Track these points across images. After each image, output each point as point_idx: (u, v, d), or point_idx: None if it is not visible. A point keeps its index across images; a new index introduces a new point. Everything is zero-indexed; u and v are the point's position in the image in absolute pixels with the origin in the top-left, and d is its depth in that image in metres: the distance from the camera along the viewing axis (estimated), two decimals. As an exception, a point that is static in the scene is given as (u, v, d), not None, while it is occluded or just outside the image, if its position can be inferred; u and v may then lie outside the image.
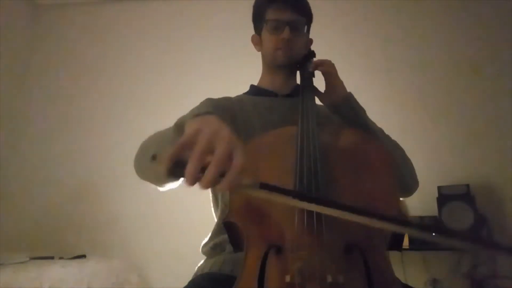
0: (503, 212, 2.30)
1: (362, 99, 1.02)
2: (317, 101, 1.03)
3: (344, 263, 0.59)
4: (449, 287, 2.19)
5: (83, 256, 2.53)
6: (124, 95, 2.97)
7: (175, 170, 0.50)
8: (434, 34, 2.74)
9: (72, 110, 3.05)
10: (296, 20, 1.04)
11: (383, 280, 0.58)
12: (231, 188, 0.50)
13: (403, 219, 0.63)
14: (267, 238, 0.65)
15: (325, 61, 1.03)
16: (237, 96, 1.13)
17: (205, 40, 3.03)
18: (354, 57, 2.70)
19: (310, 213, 0.63)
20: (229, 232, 0.72)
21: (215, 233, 0.96)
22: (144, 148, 0.85)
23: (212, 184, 0.49)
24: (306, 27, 1.10)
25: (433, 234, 0.57)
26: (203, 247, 0.98)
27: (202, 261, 0.95)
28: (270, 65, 1.11)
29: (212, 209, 1.05)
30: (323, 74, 1.01)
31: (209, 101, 1.05)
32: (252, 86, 1.16)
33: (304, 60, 1.08)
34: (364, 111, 1.01)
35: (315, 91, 1.03)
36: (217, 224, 0.99)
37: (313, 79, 1.06)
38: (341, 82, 1.01)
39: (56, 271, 1.95)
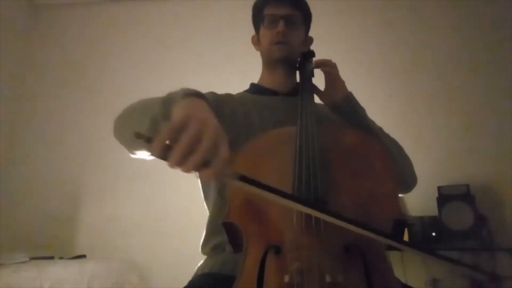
0: (503, 212, 2.30)
1: (362, 99, 1.02)
2: (317, 100, 1.03)
3: (343, 263, 0.59)
4: (449, 287, 2.19)
5: (83, 256, 2.53)
6: (124, 95, 2.96)
7: (161, 152, 0.51)
8: (434, 34, 2.74)
9: (72, 110, 3.05)
10: (291, 14, 1.05)
11: (382, 280, 0.58)
12: (215, 177, 0.51)
13: (392, 234, 0.64)
14: (266, 238, 0.65)
15: (327, 61, 1.03)
16: (238, 93, 1.13)
17: (205, 40, 3.03)
18: (354, 57, 2.70)
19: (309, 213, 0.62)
20: (228, 232, 0.72)
21: (213, 231, 0.95)
22: (127, 113, 0.87)
23: (195, 170, 0.51)
24: (304, 24, 1.10)
25: (425, 252, 0.59)
26: (202, 247, 0.98)
27: (202, 261, 0.95)
28: (268, 61, 1.11)
29: (204, 202, 1.05)
30: (325, 74, 1.02)
31: (212, 94, 1.06)
32: (252, 85, 1.16)
33: (303, 60, 1.08)
34: (364, 110, 1.01)
35: (315, 89, 1.03)
36: (211, 221, 0.98)
37: (313, 78, 1.06)
38: (343, 82, 1.02)
39: (56, 271, 1.95)
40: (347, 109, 0.98)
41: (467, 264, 0.60)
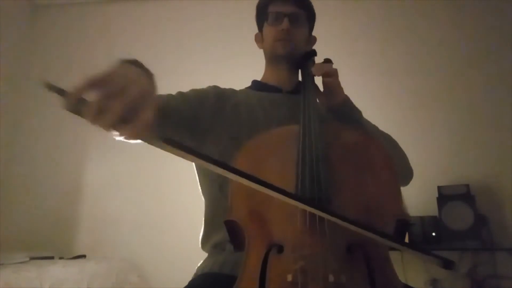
0: (503, 212, 2.30)
1: (361, 99, 1.02)
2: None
3: (346, 263, 0.58)
4: (449, 287, 2.19)
5: (83, 256, 2.53)
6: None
7: (76, 106, 0.46)
8: (434, 34, 2.75)
9: (72, 110, 3.05)
10: (295, 12, 1.05)
11: (385, 280, 0.58)
12: (133, 137, 0.47)
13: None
14: (269, 237, 0.65)
15: (330, 71, 0.95)
16: (241, 90, 1.13)
17: (205, 40, 3.03)
18: (354, 57, 2.70)
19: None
20: (229, 230, 0.71)
21: (214, 227, 0.95)
22: None
23: (112, 125, 0.46)
24: (307, 23, 1.10)
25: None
26: (203, 243, 0.98)
27: (202, 261, 0.95)
28: (271, 58, 1.11)
29: (200, 190, 1.04)
30: (327, 83, 0.96)
31: (214, 87, 1.06)
32: (255, 82, 1.16)
33: (305, 59, 1.08)
34: (360, 113, 1.00)
35: (316, 89, 1.03)
36: (211, 216, 0.97)
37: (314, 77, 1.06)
38: (342, 89, 0.97)
39: (56, 271, 1.95)
40: (343, 113, 0.98)
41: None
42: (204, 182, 1.02)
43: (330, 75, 0.95)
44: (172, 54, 3.03)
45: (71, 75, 3.17)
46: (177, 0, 3.17)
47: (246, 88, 1.15)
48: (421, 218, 2.20)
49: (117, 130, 0.47)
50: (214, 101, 1.01)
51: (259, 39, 1.14)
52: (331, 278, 0.53)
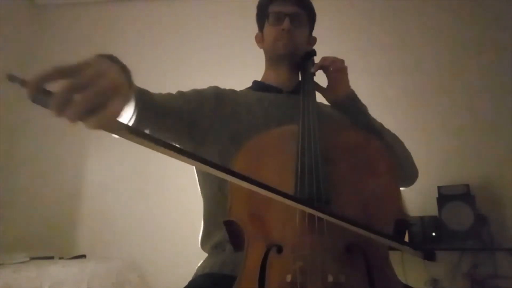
0: (503, 212, 2.30)
1: (361, 99, 1.02)
2: (318, 98, 1.03)
3: (345, 263, 0.58)
4: (449, 287, 2.19)
5: (83, 256, 2.53)
6: (124, 95, 2.96)
7: (40, 96, 0.44)
8: (434, 34, 2.75)
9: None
10: (296, 12, 1.05)
11: (384, 280, 0.58)
12: (99, 127, 0.45)
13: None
14: (268, 237, 0.65)
15: (336, 59, 1.02)
16: (241, 90, 1.13)
17: (205, 40, 3.03)
18: (353, 57, 2.68)
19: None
20: (229, 231, 0.72)
21: (213, 227, 0.95)
22: None
23: (79, 117, 0.44)
24: (308, 23, 1.11)
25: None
26: (203, 243, 0.98)
27: (202, 261, 0.95)
28: (271, 58, 1.11)
29: (199, 190, 1.05)
30: (333, 72, 1.00)
31: (214, 87, 1.06)
32: (255, 82, 1.16)
33: (305, 59, 1.08)
34: (365, 107, 1.01)
35: (317, 87, 1.03)
36: (211, 216, 0.97)
37: (314, 77, 1.06)
38: (348, 79, 1.02)
39: (56, 271, 1.95)
40: (349, 106, 0.99)
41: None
42: (203, 182, 1.02)
43: (335, 61, 1.00)
44: (172, 54, 3.03)
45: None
46: (178, 0, 3.17)
47: (247, 88, 1.15)
48: (421, 218, 2.20)
49: (82, 120, 0.45)
50: (214, 101, 1.01)
51: (260, 39, 1.14)
52: (330, 278, 0.53)
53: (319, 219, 0.62)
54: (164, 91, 0.99)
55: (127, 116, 0.76)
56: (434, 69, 2.67)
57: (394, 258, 0.64)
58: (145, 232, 2.68)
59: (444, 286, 2.19)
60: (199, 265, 0.94)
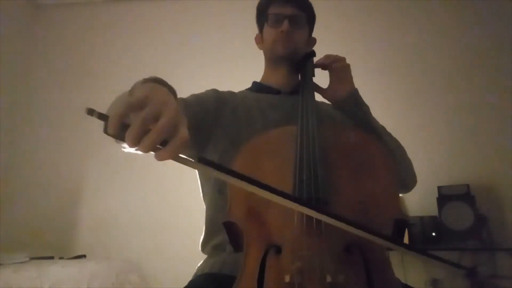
0: (503, 212, 2.30)
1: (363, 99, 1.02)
2: (318, 98, 1.03)
3: (344, 263, 0.58)
4: (449, 287, 2.19)
5: (83, 256, 2.53)
6: (124, 95, 2.97)
7: (117, 131, 0.48)
8: (436, 33, 2.74)
9: (72, 110, 3.05)
10: (295, 14, 1.06)
11: (383, 280, 0.58)
12: (171, 157, 0.48)
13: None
14: (267, 238, 0.65)
15: (338, 57, 1.04)
16: (241, 91, 1.13)
17: (205, 40, 3.03)
18: (354, 57, 2.68)
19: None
20: (229, 232, 0.72)
21: (213, 230, 0.95)
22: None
23: (152, 149, 0.48)
24: (307, 24, 1.11)
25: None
26: (203, 246, 0.98)
27: (202, 261, 0.95)
28: (271, 59, 1.12)
29: (201, 194, 1.05)
30: (336, 70, 1.02)
31: (213, 91, 1.06)
32: (255, 83, 1.16)
33: (304, 60, 1.08)
34: (368, 107, 1.01)
35: (316, 88, 1.03)
36: (211, 219, 0.98)
37: (313, 78, 1.06)
38: (351, 77, 1.03)
39: (56, 271, 1.95)
40: (351, 105, 0.99)
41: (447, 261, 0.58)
42: (205, 185, 1.02)
43: (339, 60, 1.02)
44: (172, 54, 3.03)
45: (71, 75, 3.19)
46: (178, 1, 3.17)
47: (246, 89, 1.15)
48: (421, 218, 2.20)
49: (156, 151, 0.48)
50: (215, 106, 1.01)
51: (259, 40, 1.15)
52: (328, 278, 0.53)
53: (318, 219, 0.61)
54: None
55: None
56: (435, 69, 2.67)
57: (394, 258, 0.64)
58: (145, 232, 2.68)
59: (444, 286, 2.19)
60: (199, 265, 0.94)
